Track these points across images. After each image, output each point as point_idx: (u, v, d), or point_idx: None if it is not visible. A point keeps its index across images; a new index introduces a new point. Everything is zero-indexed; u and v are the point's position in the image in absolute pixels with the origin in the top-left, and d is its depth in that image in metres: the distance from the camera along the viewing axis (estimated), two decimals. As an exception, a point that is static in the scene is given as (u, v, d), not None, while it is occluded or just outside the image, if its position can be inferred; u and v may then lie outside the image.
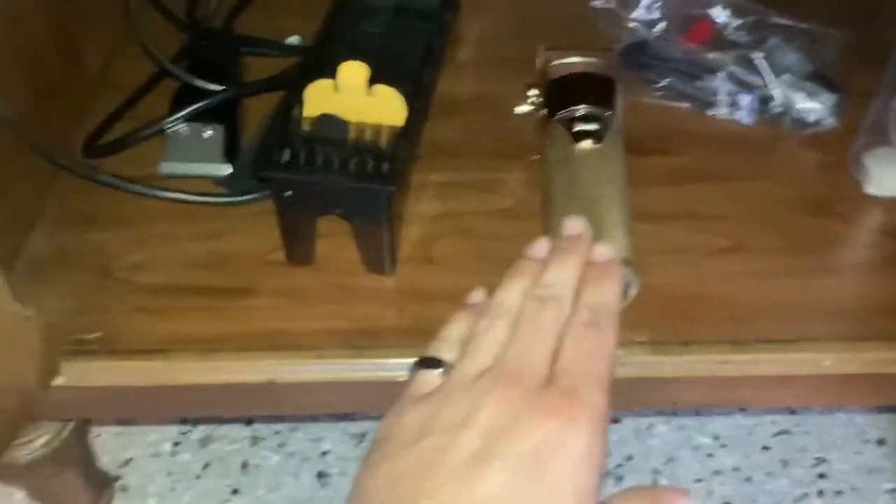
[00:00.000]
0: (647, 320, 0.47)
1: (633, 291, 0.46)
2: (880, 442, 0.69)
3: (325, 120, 0.47)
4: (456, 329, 0.39)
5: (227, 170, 0.54)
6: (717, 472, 0.67)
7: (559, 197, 0.48)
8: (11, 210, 0.50)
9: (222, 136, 0.55)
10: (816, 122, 0.58)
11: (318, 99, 0.48)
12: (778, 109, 0.59)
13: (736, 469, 0.67)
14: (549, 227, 0.47)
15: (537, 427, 0.31)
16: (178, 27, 0.64)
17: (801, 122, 0.58)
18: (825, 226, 0.53)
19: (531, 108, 0.57)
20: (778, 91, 0.58)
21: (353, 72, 0.47)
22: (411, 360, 0.45)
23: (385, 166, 0.45)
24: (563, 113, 0.51)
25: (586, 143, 0.49)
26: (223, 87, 0.57)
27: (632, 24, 0.66)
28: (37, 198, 0.53)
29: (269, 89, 0.59)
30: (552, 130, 0.52)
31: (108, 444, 0.67)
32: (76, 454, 0.56)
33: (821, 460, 0.68)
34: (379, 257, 0.48)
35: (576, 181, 0.48)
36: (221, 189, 0.54)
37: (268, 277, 0.49)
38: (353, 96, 0.48)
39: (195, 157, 0.54)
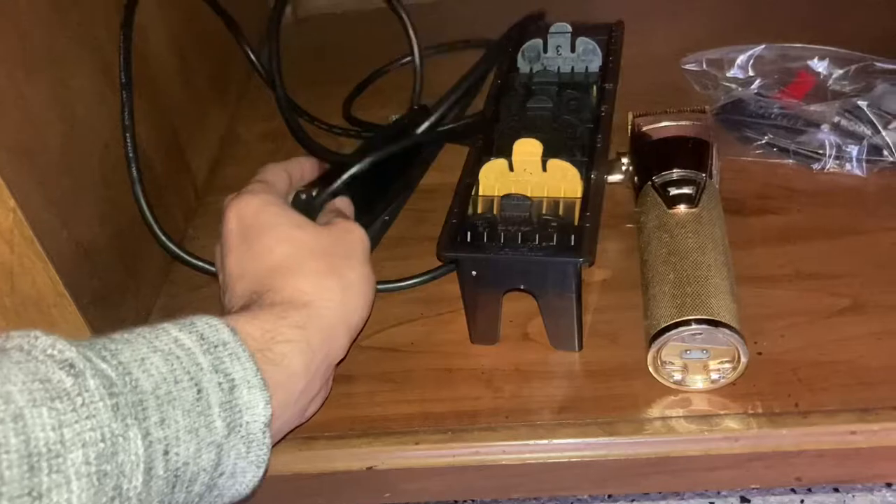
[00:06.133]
0: (760, 391, 0.44)
1: (744, 361, 0.43)
2: None
3: (507, 198, 0.47)
4: None
5: None
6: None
7: (657, 265, 0.46)
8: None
9: None
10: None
11: (494, 178, 0.48)
12: (890, 158, 0.55)
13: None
14: (647, 295, 0.46)
15: None
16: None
17: (917, 169, 0.55)
18: (955, 279, 0.49)
19: (623, 176, 0.55)
20: (889, 139, 0.55)
21: (528, 148, 0.48)
22: (510, 443, 0.44)
23: (572, 238, 0.44)
24: (655, 178, 0.50)
25: (682, 208, 0.48)
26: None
27: (726, 84, 0.64)
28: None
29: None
30: (645, 197, 0.50)
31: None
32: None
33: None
34: (569, 332, 0.47)
35: (674, 248, 0.46)
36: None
37: (364, 363, 0.49)
38: (529, 173, 0.48)
39: None
